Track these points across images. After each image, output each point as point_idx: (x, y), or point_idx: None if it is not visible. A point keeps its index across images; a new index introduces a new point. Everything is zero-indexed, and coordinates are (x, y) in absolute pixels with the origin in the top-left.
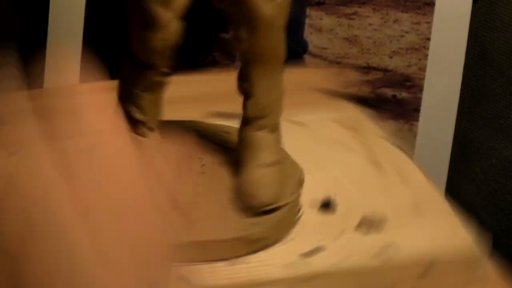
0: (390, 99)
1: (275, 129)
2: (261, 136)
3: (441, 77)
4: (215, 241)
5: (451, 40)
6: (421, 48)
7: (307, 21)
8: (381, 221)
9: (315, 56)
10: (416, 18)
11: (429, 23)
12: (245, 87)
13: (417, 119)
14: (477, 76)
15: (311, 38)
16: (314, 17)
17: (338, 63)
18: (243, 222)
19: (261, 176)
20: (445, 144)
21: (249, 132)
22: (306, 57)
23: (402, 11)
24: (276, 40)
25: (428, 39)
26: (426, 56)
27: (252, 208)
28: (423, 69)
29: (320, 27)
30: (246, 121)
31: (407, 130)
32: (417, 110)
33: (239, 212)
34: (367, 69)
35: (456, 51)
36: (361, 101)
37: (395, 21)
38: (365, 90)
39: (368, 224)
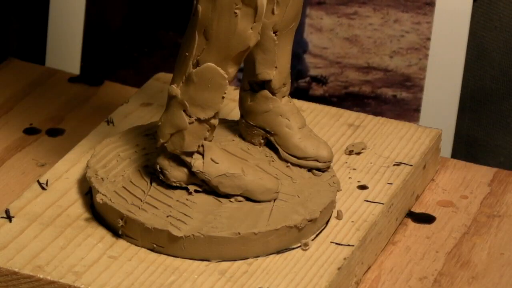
0: (390, 99)
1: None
2: (288, 103)
3: (441, 77)
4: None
5: (451, 40)
6: (422, 48)
7: (307, 20)
8: None
9: (315, 56)
10: (416, 18)
11: (430, 23)
12: (269, 61)
13: (417, 119)
14: (477, 76)
15: (311, 37)
16: (314, 17)
17: (338, 63)
18: None
19: (311, 136)
20: (446, 144)
21: (277, 102)
22: (306, 56)
23: (403, 11)
24: (301, 6)
25: (429, 39)
26: (426, 56)
27: (322, 167)
28: (423, 69)
29: (320, 27)
30: (273, 93)
31: None
32: (417, 110)
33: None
34: (367, 69)
35: (457, 51)
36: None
37: (396, 21)
38: (365, 90)
39: None
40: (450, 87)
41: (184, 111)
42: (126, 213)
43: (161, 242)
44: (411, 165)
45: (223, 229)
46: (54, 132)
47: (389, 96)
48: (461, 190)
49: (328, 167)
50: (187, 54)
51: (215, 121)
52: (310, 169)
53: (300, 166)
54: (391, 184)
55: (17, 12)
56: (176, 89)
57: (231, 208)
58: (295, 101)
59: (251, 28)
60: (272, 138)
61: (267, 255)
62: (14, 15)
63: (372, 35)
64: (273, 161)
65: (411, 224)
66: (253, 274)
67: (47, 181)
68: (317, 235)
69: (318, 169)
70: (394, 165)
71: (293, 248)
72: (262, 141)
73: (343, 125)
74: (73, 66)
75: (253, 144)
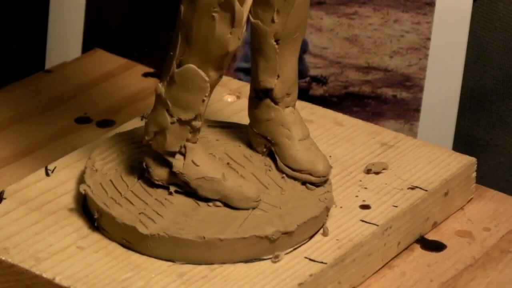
0: (390, 99)
1: (295, 104)
2: (291, 113)
3: (441, 77)
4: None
5: (451, 40)
6: (422, 48)
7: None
8: None
9: (315, 55)
10: (416, 18)
11: (430, 23)
12: (270, 69)
13: (417, 119)
14: (477, 76)
15: (312, 37)
16: (314, 17)
17: (338, 63)
18: None
19: (311, 149)
20: (446, 144)
21: (280, 111)
22: (306, 56)
23: (403, 11)
24: (305, 17)
25: (429, 39)
26: (426, 56)
27: (315, 182)
28: (423, 69)
29: (321, 27)
30: (275, 102)
31: (407, 130)
32: (417, 110)
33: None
34: (367, 69)
35: (457, 51)
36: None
37: (396, 21)
38: (365, 90)
39: None
40: (450, 87)
41: (167, 110)
42: (101, 206)
43: (130, 238)
44: (426, 190)
45: (189, 231)
46: (104, 124)
47: (389, 96)
48: (487, 222)
49: (324, 182)
50: (172, 53)
51: (196, 123)
52: (304, 183)
53: (295, 179)
54: (396, 207)
55: (17, 12)
56: (162, 88)
57: (206, 212)
58: (303, 107)
59: (230, 33)
60: (272, 148)
61: (234, 262)
62: (14, 15)
63: (372, 35)
64: (270, 170)
65: (418, 250)
66: (211, 280)
67: (54, 168)
68: (294, 249)
69: (312, 184)
70: (408, 188)
71: (264, 259)
72: (265, 149)
73: (376, 144)
74: None
75: (257, 151)
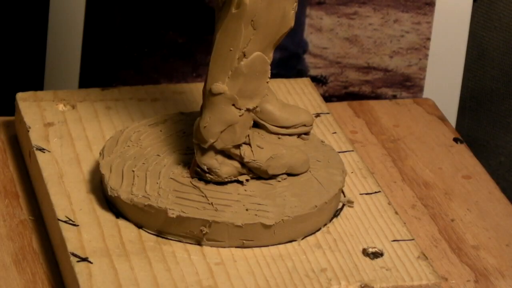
0: (390, 99)
1: None
2: None
3: (441, 77)
4: None
5: (451, 40)
6: (422, 48)
7: (307, 21)
8: None
9: (315, 56)
10: (416, 18)
11: (430, 23)
12: None
13: None
14: (477, 76)
15: (311, 38)
16: (314, 17)
17: (338, 63)
18: None
19: (288, 105)
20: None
21: None
22: (306, 56)
23: (403, 11)
24: None
25: (429, 39)
26: (426, 56)
27: (309, 130)
28: (423, 69)
29: (320, 27)
30: None
31: None
32: None
33: None
34: (367, 69)
35: (457, 51)
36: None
37: (396, 21)
38: (365, 90)
39: None
40: (450, 87)
41: (233, 105)
42: (209, 218)
43: (251, 236)
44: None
45: (301, 207)
46: None
47: (389, 96)
48: None
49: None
50: (231, 49)
51: (257, 107)
52: (298, 135)
53: (290, 135)
54: None
55: (17, 12)
56: (223, 86)
57: (285, 187)
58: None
59: (293, 9)
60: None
61: (328, 221)
62: (14, 15)
63: (372, 35)
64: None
65: None
66: (343, 238)
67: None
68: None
69: (305, 133)
70: None
71: (340, 210)
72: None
73: None
74: (73, 66)
75: None
